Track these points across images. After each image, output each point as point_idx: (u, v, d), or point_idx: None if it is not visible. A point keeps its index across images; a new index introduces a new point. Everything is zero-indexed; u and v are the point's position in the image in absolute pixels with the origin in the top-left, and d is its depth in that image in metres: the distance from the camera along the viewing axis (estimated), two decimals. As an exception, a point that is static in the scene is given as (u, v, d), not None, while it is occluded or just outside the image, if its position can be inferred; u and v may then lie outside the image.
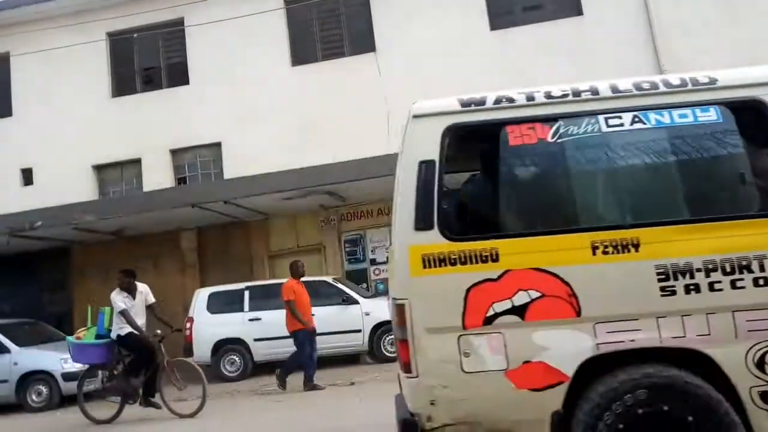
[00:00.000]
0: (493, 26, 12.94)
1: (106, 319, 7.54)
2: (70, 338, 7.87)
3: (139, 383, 7.51)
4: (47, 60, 14.03)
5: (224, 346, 10.17)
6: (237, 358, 10.13)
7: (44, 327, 11.44)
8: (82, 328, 7.89)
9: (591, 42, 12.42)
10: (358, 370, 9.48)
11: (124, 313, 7.36)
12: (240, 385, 9.57)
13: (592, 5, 12.62)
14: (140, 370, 7.52)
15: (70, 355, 7.80)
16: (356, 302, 10.06)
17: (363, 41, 13.48)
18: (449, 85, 12.57)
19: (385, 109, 12.75)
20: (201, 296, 10.54)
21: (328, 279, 10.52)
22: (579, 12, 12.71)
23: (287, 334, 10.02)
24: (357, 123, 12.77)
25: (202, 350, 10.14)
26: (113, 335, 7.48)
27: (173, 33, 14.24)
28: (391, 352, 9.85)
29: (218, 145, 13.63)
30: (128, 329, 7.38)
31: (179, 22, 14.11)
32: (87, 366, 8.04)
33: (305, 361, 8.44)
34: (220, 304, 10.42)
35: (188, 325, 10.29)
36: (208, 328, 10.22)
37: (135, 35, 14.33)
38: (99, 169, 14.12)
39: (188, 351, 10.19)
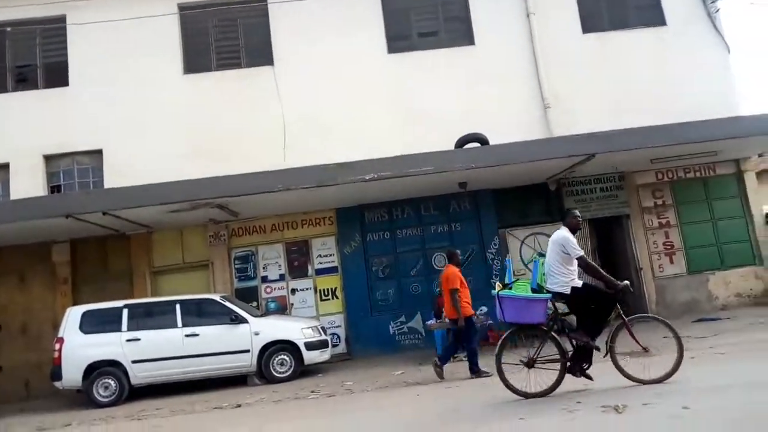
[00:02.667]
0: (391, 49, 13.23)
1: (540, 270, 6.41)
2: (500, 291, 6.34)
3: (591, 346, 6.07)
4: None
5: (98, 369, 9.41)
6: (112, 382, 9.40)
7: None
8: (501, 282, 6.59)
9: (481, 71, 13.07)
10: (245, 391, 9.15)
11: (582, 259, 6.14)
12: (115, 411, 8.89)
13: (483, 36, 13.29)
14: (598, 330, 6.13)
15: (501, 311, 6.29)
16: (245, 321, 9.74)
17: (261, 53, 13.26)
18: (345, 102, 12.76)
19: (281, 123, 12.62)
20: (73, 314, 9.73)
21: (216, 297, 10.12)
22: (471, 42, 13.33)
23: (170, 355, 9.61)
24: (252, 136, 12.54)
25: (71, 373, 9.36)
26: (558, 288, 6.17)
27: (53, 30, 13.21)
28: (280, 373, 9.65)
29: (99, 152, 12.76)
30: (582, 279, 6.20)
31: (61, 19, 13.12)
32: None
33: (474, 347, 8.14)
34: (95, 323, 9.66)
35: (57, 346, 9.47)
36: (79, 349, 9.44)
37: (8, 29, 13.15)
38: (-43, 173, 12.71)
39: (56, 374, 9.38)
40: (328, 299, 12.14)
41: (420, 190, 11.52)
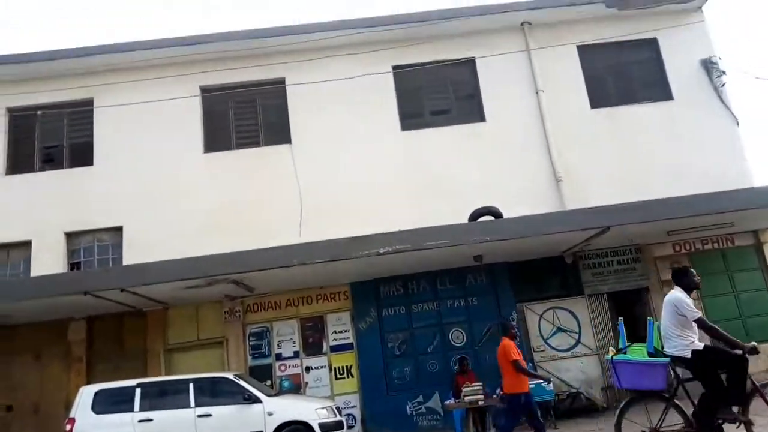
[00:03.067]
0: (404, 126, 13.63)
1: (655, 332, 6.13)
2: (615, 356, 6.13)
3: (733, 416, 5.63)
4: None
5: (108, 451, 9.19)
6: (122, 464, 9.16)
7: None
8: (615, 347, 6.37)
9: (492, 146, 13.37)
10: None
11: (701, 321, 5.80)
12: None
13: (494, 113, 13.67)
14: (736, 397, 5.65)
15: (616, 378, 6.07)
16: (259, 401, 9.54)
17: (279, 132, 13.70)
18: (360, 178, 13.02)
19: (297, 199, 12.85)
20: (85, 394, 9.61)
21: (229, 375, 9.97)
22: (482, 118, 13.69)
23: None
24: (269, 211, 12.75)
25: (82, 456, 9.13)
26: (678, 351, 5.78)
27: (81, 113, 13.82)
28: (293, 455, 9.33)
29: (119, 229, 13.02)
30: (703, 342, 5.85)
31: (88, 102, 13.76)
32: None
33: (539, 425, 7.63)
34: (108, 403, 9.52)
35: (68, 426, 9.30)
36: (91, 430, 9.25)
37: (39, 113, 13.79)
38: (-19, 251, 12.98)
39: (66, 457, 9.16)
40: (343, 377, 11.89)
41: (435, 263, 11.51)
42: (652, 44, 14.26)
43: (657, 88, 14.01)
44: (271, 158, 13.37)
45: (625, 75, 14.27)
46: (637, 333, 12.30)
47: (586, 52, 14.08)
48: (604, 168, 13.11)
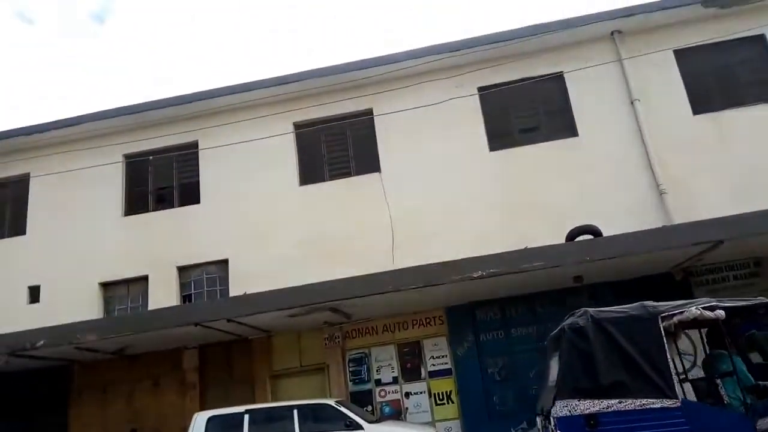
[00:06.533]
0: (492, 147, 13.48)
1: None
2: None
3: None
4: (64, 181, 14.64)
5: (222, 477, 9.62)
6: (234, 490, 9.55)
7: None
8: None
9: (587, 161, 12.91)
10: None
11: None
12: None
13: (587, 127, 13.22)
14: None
15: None
16: (360, 428, 9.64)
17: (368, 161, 14.01)
18: (451, 202, 12.99)
19: (389, 226, 13.02)
20: (199, 420, 10.14)
21: (331, 402, 10.17)
22: (574, 133, 13.28)
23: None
24: (362, 239, 13.00)
25: (197, 481, 9.62)
26: None
27: (187, 155, 14.88)
28: (396, 483, 9.30)
29: (225, 262, 13.78)
30: None
31: (194, 145, 14.79)
32: None
33: None
34: (219, 428, 9.99)
35: (185, 452, 9.85)
36: (205, 455, 9.75)
37: (150, 157, 15.00)
38: (105, 286, 14.19)
39: (183, 481, 9.68)
40: (443, 404, 11.76)
41: (532, 285, 11.20)
42: (758, 41, 13.26)
43: (767, 88, 12.97)
44: (363, 187, 13.68)
45: (729, 77, 13.32)
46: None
47: (683, 56, 13.33)
48: (713, 177, 12.26)
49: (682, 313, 5.88)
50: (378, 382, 12.11)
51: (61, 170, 14.63)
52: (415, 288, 10.09)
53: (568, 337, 6.13)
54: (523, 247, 10.21)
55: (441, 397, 11.81)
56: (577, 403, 5.82)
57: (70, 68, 52.56)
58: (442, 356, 12.03)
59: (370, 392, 12.08)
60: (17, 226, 15.06)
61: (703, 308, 5.84)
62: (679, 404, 5.64)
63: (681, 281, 11.45)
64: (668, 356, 5.78)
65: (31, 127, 15.10)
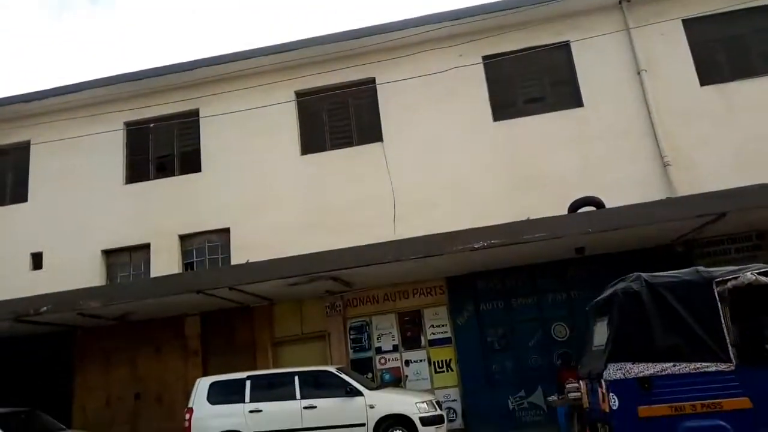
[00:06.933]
0: (496, 117, 13.34)
1: None
2: None
3: None
4: (65, 148, 14.56)
5: (223, 439, 9.79)
6: (236, 453, 9.72)
7: (41, 416, 11.08)
8: None
9: (592, 132, 12.78)
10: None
11: None
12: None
13: (592, 98, 13.05)
14: None
15: None
16: (360, 394, 9.76)
17: (370, 131, 13.90)
18: (453, 173, 12.92)
19: (391, 196, 12.98)
20: (201, 386, 10.29)
21: (332, 369, 10.28)
22: (579, 104, 13.12)
23: (289, 427, 9.72)
24: (364, 209, 12.97)
25: (200, 443, 9.79)
26: None
27: (188, 123, 14.77)
28: (395, 448, 9.46)
29: (227, 230, 13.79)
30: None
31: (195, 113, 14.67)
32: None
33: None
34: (221, 394, 10.15)
35: (187, 416, 10.00)
36: (207, 420, 9.90)
37: (151, 125, 14.88)
38: (108, 254, 14.24)
39: (186, 444, 9.86)
40: (443, 371, 11.89)
41: (534, 256, 11.20)
42: (770, 10, 12.99)
43: (778, 58, 12.77)
44: (364, 157, 13.59)
45: (739, 47, 13.08)
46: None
47: (692, 25, 13.07)
48: (718, 149, 12.14)
49: (737, 278, 5.89)
50: (378, 350, 12.23)
51: (62, 137, 14.55)
52: (416, 258, 10.10)
53: (622, 301, 6.14)
54: (525, 218, 10.18)
55: (441, 365, 11.93)
56: (631, 366, 5.86)
57: (68, 43, 51.93)
58: (442, 325, 12.12)
59: (370, 360, 12.21)
60: (19, 193, 15.06)
61: (759, 273, 5.84)
62: (733, 368, 5.69)
63: (682, 253, 11.44)
64: (722, 321, 5.81)
65: (30, 93, 14.98)
